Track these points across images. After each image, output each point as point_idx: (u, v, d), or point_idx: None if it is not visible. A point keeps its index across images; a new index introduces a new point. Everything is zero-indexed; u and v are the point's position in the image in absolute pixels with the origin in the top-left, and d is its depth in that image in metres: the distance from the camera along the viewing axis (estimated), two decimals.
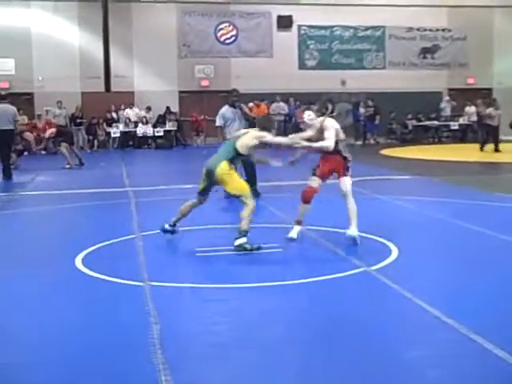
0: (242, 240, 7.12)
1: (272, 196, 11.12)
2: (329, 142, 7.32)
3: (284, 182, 12.96)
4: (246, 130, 7.97)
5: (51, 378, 3.95)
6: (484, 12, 27.64)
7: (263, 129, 7.68)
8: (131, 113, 24.87)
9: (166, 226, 7.82)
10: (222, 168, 7.34)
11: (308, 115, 7.53)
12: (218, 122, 11.35)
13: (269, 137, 7.59)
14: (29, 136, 18.87)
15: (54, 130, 18.35)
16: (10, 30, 23.92)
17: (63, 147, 17.61)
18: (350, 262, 6.51)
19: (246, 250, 7.08)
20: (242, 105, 11.75)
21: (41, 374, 3.99)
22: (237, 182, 7.42)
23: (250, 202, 7.30)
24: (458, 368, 3.96)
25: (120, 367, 4.06)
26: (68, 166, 17.31)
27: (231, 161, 7.41)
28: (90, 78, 24.40)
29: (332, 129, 7.37)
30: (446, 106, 27.09)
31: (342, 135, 7.50)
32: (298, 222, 7.63)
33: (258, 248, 7.15)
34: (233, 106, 11.32)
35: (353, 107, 26.32)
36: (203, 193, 7.68)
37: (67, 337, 4.64)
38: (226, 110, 11.39)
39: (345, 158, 7.48)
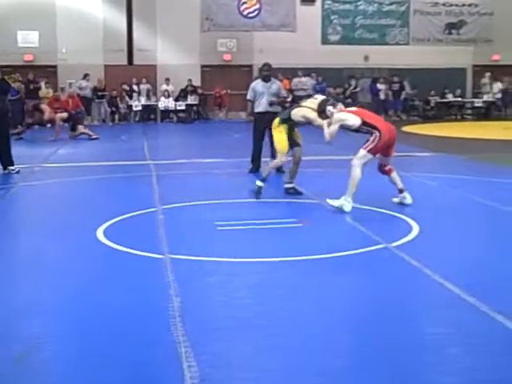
0: (259, 183, 8.68)
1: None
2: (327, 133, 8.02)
3: (307, 157, 12.92)
4: (312, 103, 8.54)
5: (73, 348, 4.00)
6: None
7: (321, 112, 8.27)
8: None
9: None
10: (274, 123, 8.89)
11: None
12: (249, 96, 11.37)
13: (318, 121, 8.28)
14: (45, 108, 18.89)
15: (65, 114, 18.37)
16: (34, 2, 23.94)
17: (80, 129, 17.85)
18: (371, 238, 6.48)
19: (254, 191, 8.63)
20: (278, 82, 11.79)
21: (63, 345, 4.03)
22: (278, 139, 8.83)
23: (279, 159, 8.84)
24: (479, 346, 3.94)
25: (140, 338, 4.08)
26: (95, 136, 17.58)
27: (283, 120, 8.73)
28: (113, 51, 24.40)
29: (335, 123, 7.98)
30: (487, 83, 26.60)
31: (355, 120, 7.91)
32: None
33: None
34: (264, 80, 11.30)
35: (371, 82, 26.07)
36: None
37: (88, 307, 4.68)
38: (256, 83, 11.38)
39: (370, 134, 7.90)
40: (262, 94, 11.13)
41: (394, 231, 6.80)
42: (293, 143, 8.96)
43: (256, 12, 25.91)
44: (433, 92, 26.14)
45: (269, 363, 3.76)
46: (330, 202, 7.68)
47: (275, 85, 11.33)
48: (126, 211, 7.84)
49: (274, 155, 11.21)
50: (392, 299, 4.81)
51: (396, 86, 25.64)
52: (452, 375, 3.60)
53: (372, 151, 7.75)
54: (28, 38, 24.18)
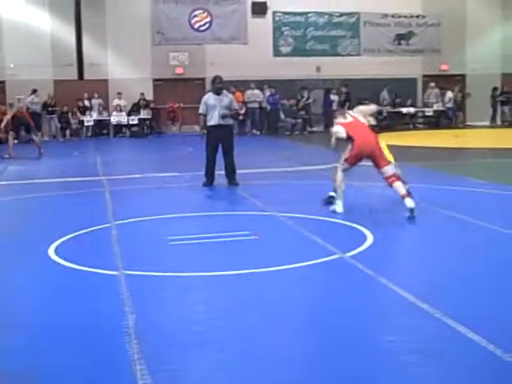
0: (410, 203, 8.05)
1: (249, 184, 11.08)
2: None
3: (262, 169, 12.96)
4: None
5: (24, 367, 3.91)
6: None
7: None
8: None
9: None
10: None
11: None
12: (201, 110, 11.28)
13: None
14: None
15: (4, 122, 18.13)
16: None
17: (10, 136, 17.55)
18: (325, 249, 6.51)
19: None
20: (230, 95, 11.82)
21: (14, 364, 3.94)
22: None
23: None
24: (433, 352, 3.98)
25: (94, 357, 4.02)
26: (7, 156, 17.21)
27: None
28: (63, 66, 24.11)
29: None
30: (431, 93, 27.11)
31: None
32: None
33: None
34: (216, 93, 11.26)
35: (324, 93, 26.30)
36: None
37: (41, 327, 4.59)
38: (208, 97, 11.32)
39: None
40: (214, 108, 11.09)
41: (348, 241, 6.83)
42: None
43: (207, 25, 25.93)
44: (385, 102, 26.46)
45: (225, 378, 3.73)
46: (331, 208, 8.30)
47: (227, 98, 11.31)
48: (79, 228, 7.72)
49: (227, 168, 11.19)
50: (347, 308, 4.83)
51: (343, 97, 25.86)
52: (406, 382, 3.61)
53: (347, 161, 8.31)
54: None
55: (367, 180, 10.94)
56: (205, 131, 11.28)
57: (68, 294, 5.38)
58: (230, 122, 11.50)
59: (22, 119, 18.26)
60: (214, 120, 11.09)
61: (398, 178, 8.21)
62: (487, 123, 27.01)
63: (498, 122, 27.42)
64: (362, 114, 8.68)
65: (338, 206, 8.22)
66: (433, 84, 27.06)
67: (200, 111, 11.33)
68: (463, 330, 4.22)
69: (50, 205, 10.13)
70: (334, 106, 25.88)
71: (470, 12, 28.02)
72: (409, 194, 8.10)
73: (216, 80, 11.35)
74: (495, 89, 27.37)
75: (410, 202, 7.87)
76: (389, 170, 8.22)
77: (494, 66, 28.24)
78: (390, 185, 8.18)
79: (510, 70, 28.38)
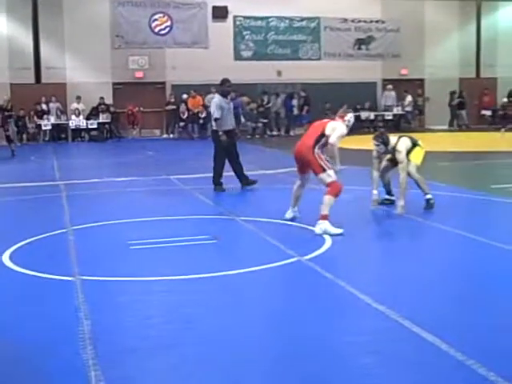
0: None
1: (209, 187, 11.02)
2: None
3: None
4: None
5: None
6: (416, 4, 28.14)
7: None
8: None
9: None
10: None
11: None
12: (217, 114, 10.65)
13: None
14: None
15: None
16: None
17: None
18: (284, 252, 6.50)
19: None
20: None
21: None
22: None
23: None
24: (389, 353, 4.01)
25: (48, 364, 3.96)
26: None
27: None
28: (20, 70, 23.77)
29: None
30: (389, 96, 27.43)
31: None
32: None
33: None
34: (225, 96, 10.99)
35: (285, 98, 26.33)
36: None
37: None
38: (220, 100, 10.83)
39: None
40: (228, 111, 10.80)
41: (306, 244, 6.84)
42: None
43: (168, 29, 25.82)
44: (345, 106, 26.54)
45: (181, 383, 3.68)
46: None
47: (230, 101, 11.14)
48: (35, 234, 7.59)
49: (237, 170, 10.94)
50: (305, 310, 4.83)
51: (302, 101, 25.92)
52: (363, 383, 3.63)
53: None
54: None
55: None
56: (224, 136, 10.70)
57: (22, 300, 5.27)
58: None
59: None
60: (230, 124, 10.85)
61: (334, 192, 7.55)
62: (445, 127, 27.41)
63: (456, 125, 27.88)
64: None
65: (288, 212, 8.01)
66: (390, 86, 27.38)
67: (216, 116, 10.67)
68: (418, 330, 4.25)
69: (4, 210, 9.96)
70: (295, 111, 25.99)
71: (428, 18, 28.44)
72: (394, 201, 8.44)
73: (227, 83, 10.97)
74: (453, 93, 27.81)
75: (317, 229, 7.29)
76: (325, 177, 7.62)
77: (452, 70, 28.72)
78: (325, 193, 7.58)
79: (468, 74, 28.91)
